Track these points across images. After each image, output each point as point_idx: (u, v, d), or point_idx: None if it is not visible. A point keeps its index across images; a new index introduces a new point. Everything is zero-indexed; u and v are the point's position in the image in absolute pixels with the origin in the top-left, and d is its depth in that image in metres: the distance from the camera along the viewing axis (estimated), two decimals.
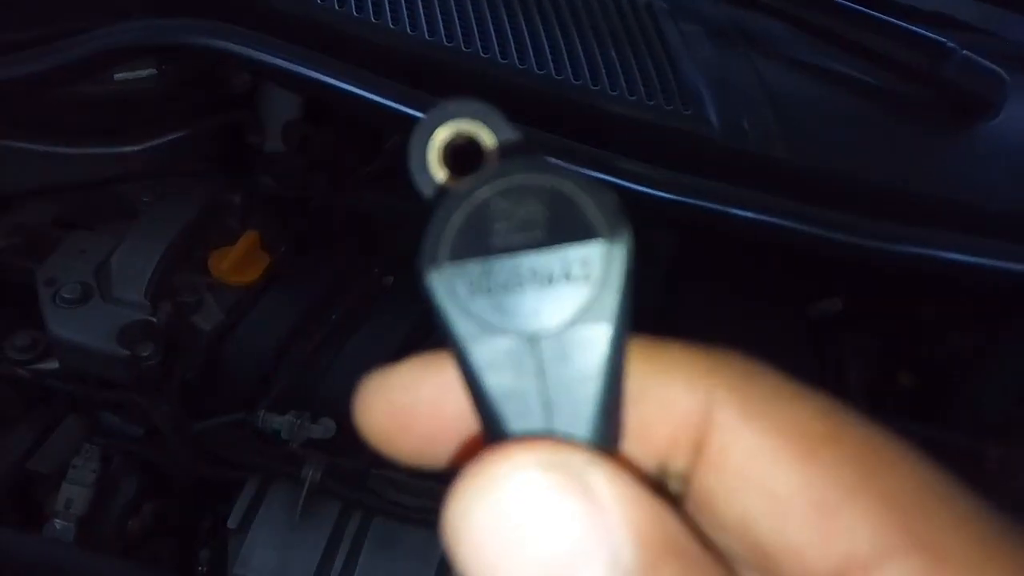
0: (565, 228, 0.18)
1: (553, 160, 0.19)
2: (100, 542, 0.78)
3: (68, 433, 0.83)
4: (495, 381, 0.18)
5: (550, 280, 0.18)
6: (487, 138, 0.20)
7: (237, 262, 0.82)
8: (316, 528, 0.70)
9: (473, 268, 0.18)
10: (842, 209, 0.68)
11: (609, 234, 0.18)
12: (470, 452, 0.18)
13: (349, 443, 0.72)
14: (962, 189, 0.74)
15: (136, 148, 0.86)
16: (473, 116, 0.20)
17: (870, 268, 0.71)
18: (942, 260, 0.68)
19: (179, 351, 0.76)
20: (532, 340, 0.18)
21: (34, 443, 0.80)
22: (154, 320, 0.78)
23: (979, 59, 0.75)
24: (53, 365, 0.82)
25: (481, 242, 0.18)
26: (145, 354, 0.75)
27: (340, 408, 0.72)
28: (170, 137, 0.85)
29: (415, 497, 0.70)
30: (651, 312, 0.76)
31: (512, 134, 0.20)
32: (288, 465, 0.71)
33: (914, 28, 0.75)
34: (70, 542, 0.77)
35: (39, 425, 0.81)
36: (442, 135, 0.20)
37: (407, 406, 0.21)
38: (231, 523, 0.71)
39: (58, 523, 0.78)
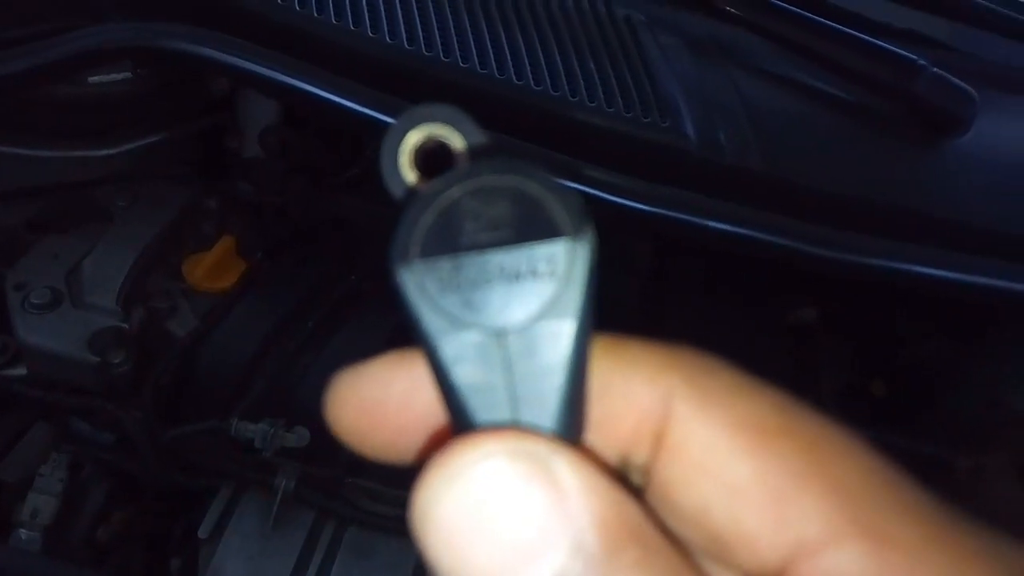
0: (531, 227, 0.18)
1: (521, 162, 0.20)
2: (68, 551, 0.76)
3: (36, 441, 0.81)
4: (463, 375, 0.18)
5: (517, 277, 0.18)
6: (457, 142, 0.21)
7: (212, 268, 0.81)
8: (289, 538, 0.69)
9: (443, 265, 0.18)
10: (816, 222, 0.69)
11: (573, 233, 0.18)
12: (438, 445, 0.18)
13: (323, 452, 0.71)
14: (934, 203, 0.75)
15: (111, 151, 0.85)
16: (444, 120, 0.21)
17: (842, 278, 0.72)
18: (914, 274, 0.69)
19: (151, 358, 0.75)
20: (499, 335, 0.18)
21: (1, 451, 0.78)
22: (126, 326, 0.77)
23: (949, 76, 0.76)
24: (22, 371, 0.80)
25: (451, 240, 0.18)
26: (116, 361, 0.74)
27: (315, 417, 0.71)
28: (146, 140, 0.84)
29: (389, 506, 0.69)
30: (629, 319, 0.76)
31: (482, 138, 0.21)
32: (261, 473, 0.70)
33: (887, 45, 0.77)
34: (36, 551, 0.75)
35: (6, 433, 0.79)
36: (413, 138, 0.21)
37: (378, 401, 0.21)
38: (202, 532, 0.70)
39: (24, 533, 0.76)
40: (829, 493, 0.17)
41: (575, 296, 0.18)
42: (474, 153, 0.20)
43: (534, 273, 0.18)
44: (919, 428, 0.78)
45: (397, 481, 0.70)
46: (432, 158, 0.21)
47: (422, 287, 0.18)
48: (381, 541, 0.69)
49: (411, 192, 0.20)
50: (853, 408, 0.80)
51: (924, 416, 0.80)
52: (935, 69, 0.76)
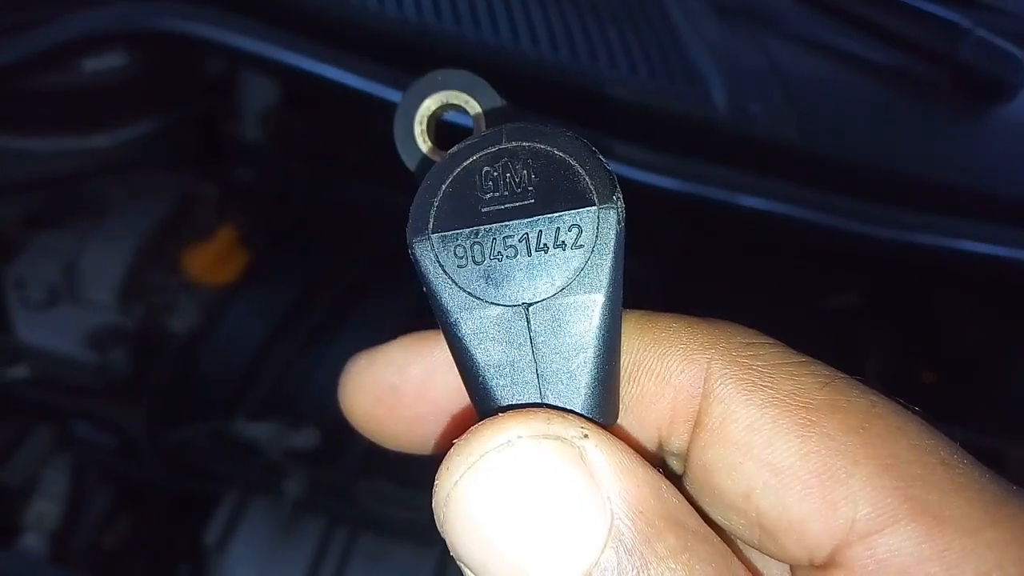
0: (556, 195, 0.17)
1: (544, 125, 0.18)
2: (74, 557, 0.74)
3: (38, 444, 0.79)
4: (486, 353, 0.17)
5: (540, 248, 0.17)
6: (474, 109, 0.20)
7: (213, 260, 0.78)
8: (299, 544, 0.66)
9: (461, 238, 0.17)
10: (853, 196, 0.65)
11: (600, 199, 0.17)
12: (461, 431, 0.17)
13: (333, 453, 0.67)
14: (977, 175, 0.70)
15: (106, 141, 0.81)
16: (460, 87, 0.20)
17: (884, 259, 0.67)
18: (957, 250, 0.65)
19: (152, 356, 0.72)
20: (523, 310, 0.17)
21: (2, 454, 0.76)
22: (125, 322, 0.74)
23: (995, 40, 0.71)
24: (22, 372, 0.78)
25: (470, 211, 0.18)
26: (116, 359, 0.72)
27: (323, 415, 0.68)
28: (142, 128, 0.80)
29: (406, 510, 0.65)
30: (655, 306, 0.72)
31: (500, 103, 0.20)
32: (269, 477, 0.67)
33: (928, 7, 0.71)
34: (42, 558, 0.73)
35: (8, 436, 0.77)
36: (429, 106, 0.20)
37: (394, 386, 0.20)
38: (209, 539, 0.67)
39: (30, 538, 0.75)
40: (881, 473, 0.16)
41: (604, 268, 0.17)
42: (492, 120, 0.20)
43: (559, 244, 0.17)
44: (970, 418, 0.73)
45: (414, 482, 0.66)
46: (449, 130, 0.20)
47: (440, 262, 0.17)
48: (397, 547, 0.65)
49: (426, 162, 0.20)
50: (901, 397, 0.75)
51: (975, 406, 0.75)
52: (980, 32, 0.71)
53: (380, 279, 0.78)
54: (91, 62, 0.78)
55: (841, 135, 0.67)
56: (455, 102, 0.20)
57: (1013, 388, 0.74)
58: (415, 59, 0.62)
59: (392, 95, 0.60)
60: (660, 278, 0.73)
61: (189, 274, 0.78)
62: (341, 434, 0.67)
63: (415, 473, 0.66)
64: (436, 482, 0.16)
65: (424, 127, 0.20)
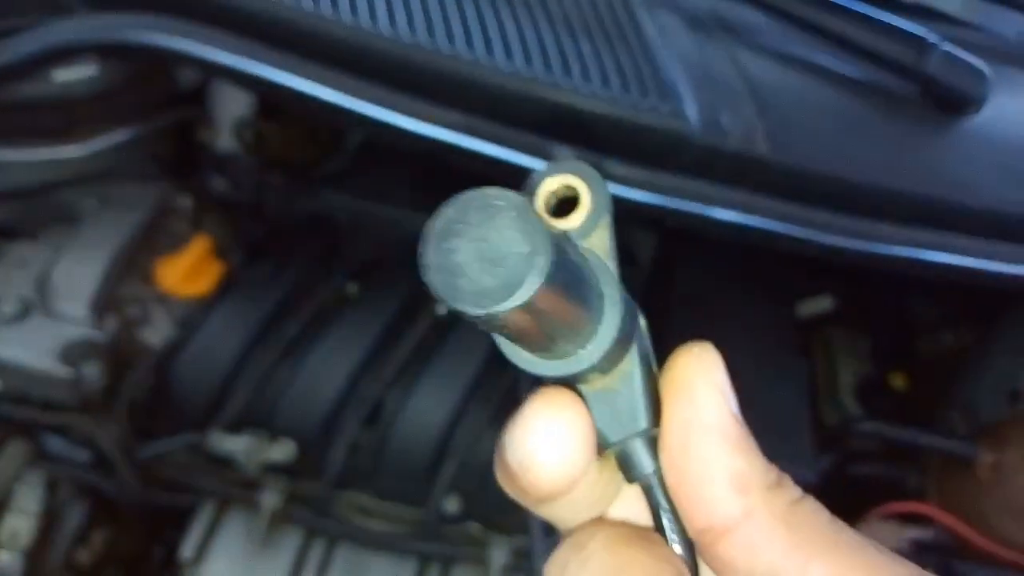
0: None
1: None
2: (49, 574, 0.73)
3: (11, 459, 0.78)
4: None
5: None
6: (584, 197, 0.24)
7: (188, 271, 0.77)
8: (277, 557, 0.65)
9: None
10: (825, 208, 0.65)
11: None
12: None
13: (310, 465, 0.67)
14: (946, 186, 0.72)
15: (78, 151, 0.80)
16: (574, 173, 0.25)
17: (857, 269, 0.69)
18: (928, 262, 0.66)
19: (126, 369, 0.71)
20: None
21: None
22: (99, 335, 0.73)
23: (960, 53, 0.73)
24: None
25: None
26: (89, 373, 0.71)
27: (300, 427, 0.67)
28: (114, 138, 0.79)
29: (382, 522, 0.65)
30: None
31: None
32: (245, 490, 0.67)
33: (895, 21, 0.73)
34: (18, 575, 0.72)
35: None
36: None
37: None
38: (186, 553, 0.66)
39: (4, 555, 0.74)
40: (782, 533, 0.24)
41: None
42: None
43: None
44: (940, 423, 0.75)
45: (391, 494, 0.66)
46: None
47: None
48: (375, 559, 0.65)
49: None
50: (872, 402, 0.76)
51: (945, 411, 0.77)
52: (945, 46, 0.72)
53: (358, 291, 0.78)
54: (62, 72, 0.77)
55: (812, 147, 0.68)
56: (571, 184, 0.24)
57: (982, 393, 0.76)
58: (388, 72, 0.62)
59: (366, 108, 0.60)
60: (634, 288, 0.73)
61: (163, 286, 0.77)
62: (318, 447, 0.67)
63: (393, 485, 0.66)
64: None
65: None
